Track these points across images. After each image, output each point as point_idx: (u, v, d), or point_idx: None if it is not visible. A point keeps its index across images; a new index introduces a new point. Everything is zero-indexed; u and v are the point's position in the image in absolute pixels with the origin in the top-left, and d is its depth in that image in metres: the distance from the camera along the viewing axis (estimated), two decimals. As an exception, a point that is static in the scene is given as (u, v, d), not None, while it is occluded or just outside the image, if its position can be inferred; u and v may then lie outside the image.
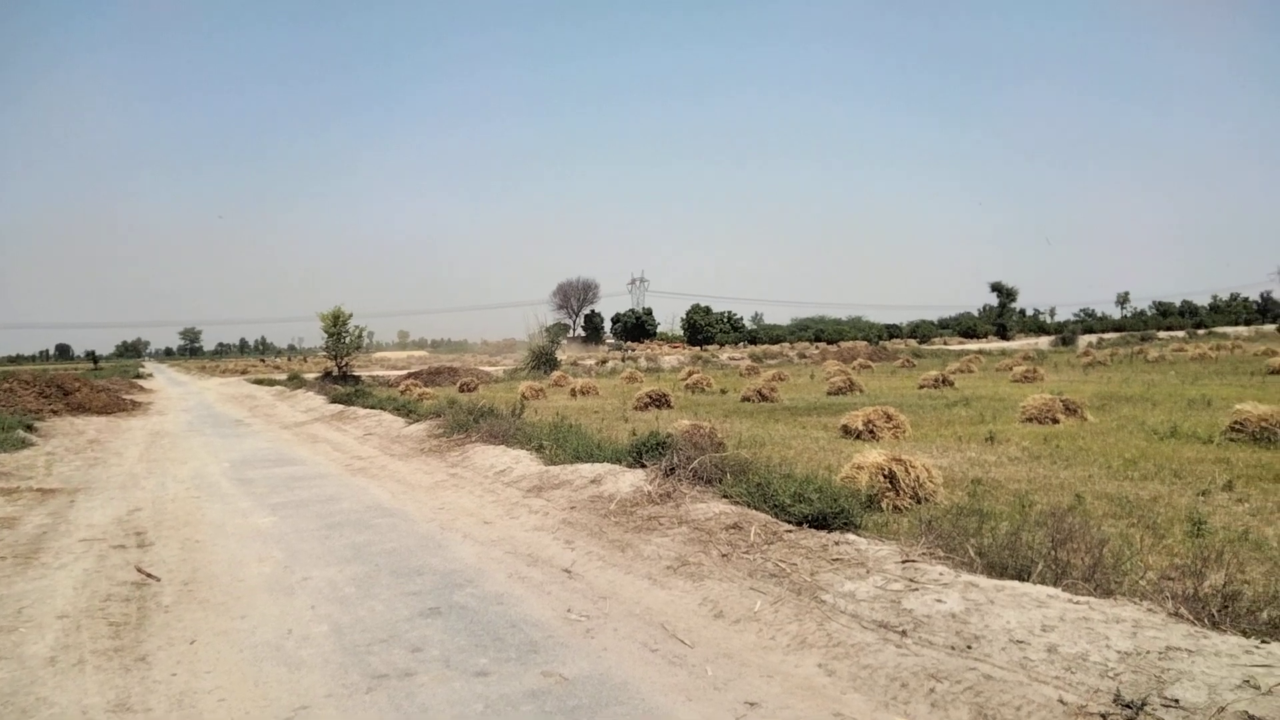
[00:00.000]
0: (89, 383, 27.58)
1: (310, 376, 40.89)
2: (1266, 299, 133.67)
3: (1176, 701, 3.43)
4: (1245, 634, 3.98)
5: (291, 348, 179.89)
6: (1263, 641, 3.82)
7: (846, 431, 13.43)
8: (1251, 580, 5.27)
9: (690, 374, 31.28)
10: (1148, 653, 3.83)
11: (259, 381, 44.87)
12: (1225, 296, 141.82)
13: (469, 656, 4.71)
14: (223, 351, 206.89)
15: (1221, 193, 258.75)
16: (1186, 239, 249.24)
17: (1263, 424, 11.42)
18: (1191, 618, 4.19)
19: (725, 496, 7.64)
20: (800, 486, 6.98)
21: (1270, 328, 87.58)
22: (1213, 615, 4.21)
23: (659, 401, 20.51)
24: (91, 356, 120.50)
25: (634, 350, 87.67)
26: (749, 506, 7.20)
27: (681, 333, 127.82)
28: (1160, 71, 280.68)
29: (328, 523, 8.46)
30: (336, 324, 38.58)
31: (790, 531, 6.45)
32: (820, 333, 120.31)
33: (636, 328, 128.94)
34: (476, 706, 4.06)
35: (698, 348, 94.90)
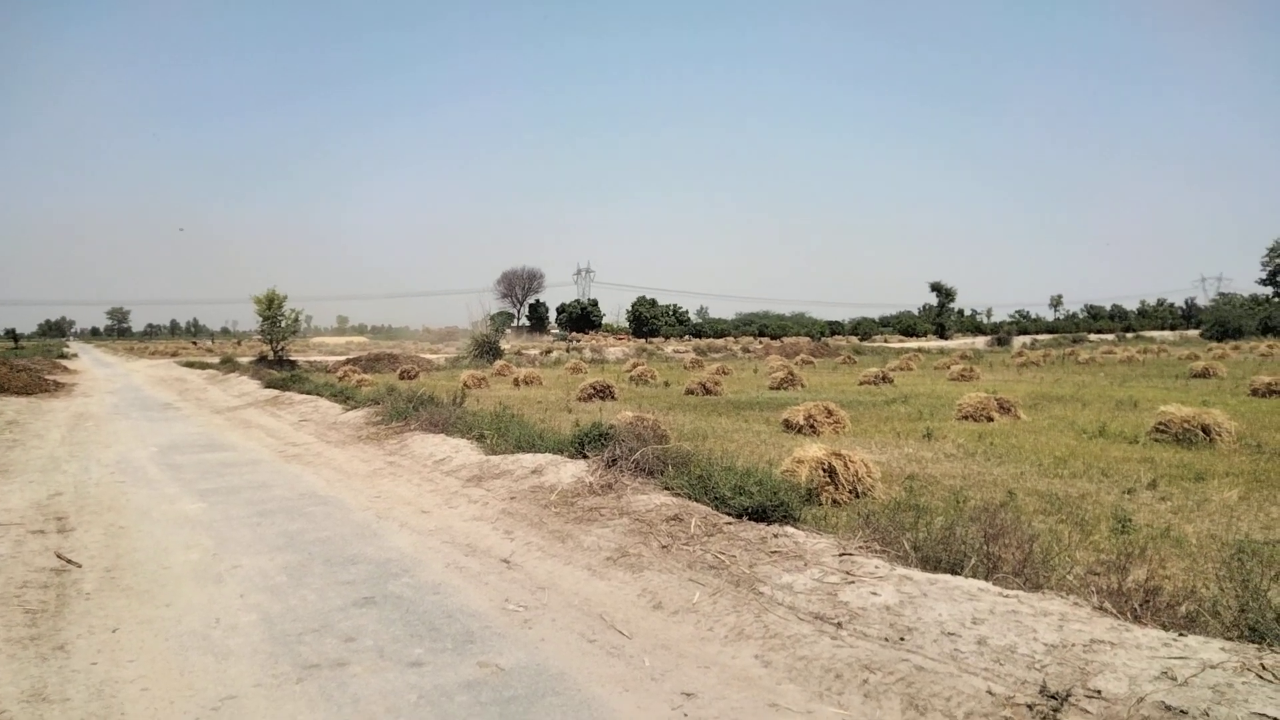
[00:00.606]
0: (8, 362, 26.55)
1: (244, 360, 39.92)
2: (1191, 305, 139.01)
3: (1099, 692, 3.53)
4: (1165, 627, 4.11)
5: (225, 330, 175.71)
6: (1180, 634, 3.95)
7: (788, 426, 13.57)
8: (1172, 576, 5.46)
9: (635, 366, 31.36)
10: (1073, 645, 3.93)
11: (190, 364, 43.61)
12: (1153, 302, 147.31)
13: (403, 646, 4.63)
14: (152, 333, 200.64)
15: (1153, 202, 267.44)
16: (1119, 245, 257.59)
17: (1185, 425, 11.85)
18: (1115, 611, 4.31)
19: (667, 488, 7.64)
20: (741, 479, 7.01)
21: (1194, 333, 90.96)
22: (1135, 609, 4.34)
23: (603, 393, 20.50)
24: (11, 335, 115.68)
25: (579, 341, 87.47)
26: (690, 499, 7.22)
27: (627, 324, 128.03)
28: (1111, 75, 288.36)
29: (259, 510, 8.25)
30: (271, 307, 37.76)
31: (730, 524, 6.48)
32: (764, 328, 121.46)
33: (582, 318, 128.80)
34: (410, 697, 3.99)
35: (643, 340, 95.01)
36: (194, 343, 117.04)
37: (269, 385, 23.47)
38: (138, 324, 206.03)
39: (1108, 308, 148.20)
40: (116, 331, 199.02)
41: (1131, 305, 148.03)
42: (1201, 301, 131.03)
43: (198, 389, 26.96)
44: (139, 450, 12.72)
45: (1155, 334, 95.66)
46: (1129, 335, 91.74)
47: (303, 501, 8.66)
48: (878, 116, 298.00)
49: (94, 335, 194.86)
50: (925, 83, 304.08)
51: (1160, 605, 4.39)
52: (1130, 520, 7.02)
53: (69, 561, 6.36)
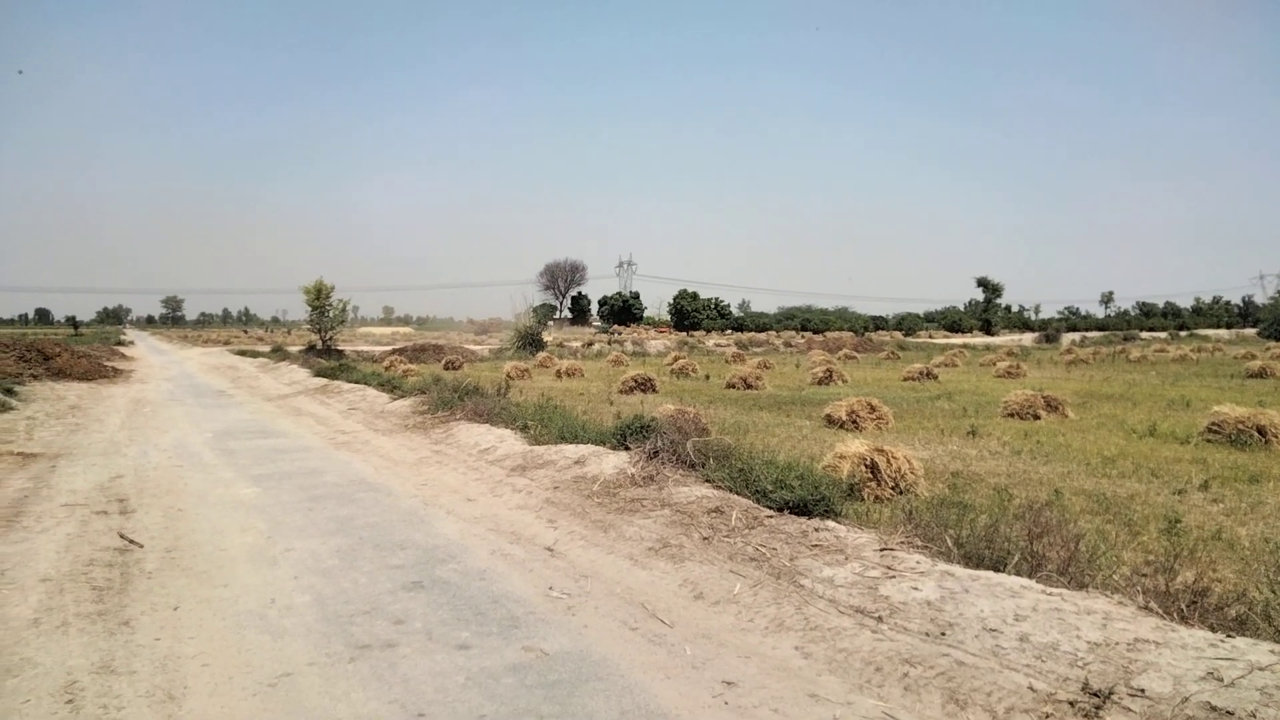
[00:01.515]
0: (70, 348, 27.35)
1: (294, 349, 40.68)
2: (1248, 303, 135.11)
3: (1143, 691, 3.52)
4: (1212, 629, 4.08)
5: (275, 320, 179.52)
6: (1228, 636, 3.92)
7: (830, 421, 13.53)
8: (1222, 578, 5.39)
9: (676, 359, 31.36)
10: (1117, 644, 3.92)
11: (242, 353, 44.56)
12: (1208, 299, 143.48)
13: (451, 630, 4.75)
14: (205, 321, 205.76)
15: (1208, 197, 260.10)
16: (1173, 241, 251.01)
17: (1239, 426, 11.59)
18: (1161, 612, 4.28)
19: (708, 481, 7.70)
20: (782, 473, 7.05)
21: (1251, 331, 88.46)
22: (1182, 610, 4.30)
23: (644, 385, 20.57)
24: (72, 322, 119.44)
25: (620, 333, 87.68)
26: (731, 491, 7.27)
27: (668, 317, 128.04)
28: (1158, 69, 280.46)
29: (311, 495, 8.48)
30: (320, 297, 38.52)
31: (771, 517, 6.52)
32: (806, 322, 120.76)
33: (623, 311, 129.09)
34: (458, 678, 4.11)
35: (684, 333, 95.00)
36: (245, 331, 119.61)
37: (318, 374, 23.94)
38: (191, 312, 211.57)
39: (1160, 305, 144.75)
40: (171, 320, 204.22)
41: (1185, 302, 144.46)
42: (1259, 299, 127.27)
43: (250, 377, 27.59)
44: (194, 436, 13.10)
45: (1210, 332, 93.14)
46: (1182, 333, 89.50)
47: (352, 488, 8.87)
48: (925, 119, 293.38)
49: (149, 323, 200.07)
50: (973, 89, 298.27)
51: (1209, 607, 4.35)
52: (1180, 521, 6.91)
53: (131, 542, 6.61)
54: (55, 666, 4.19)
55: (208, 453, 11.35)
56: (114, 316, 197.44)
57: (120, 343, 60.40)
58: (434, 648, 4.49)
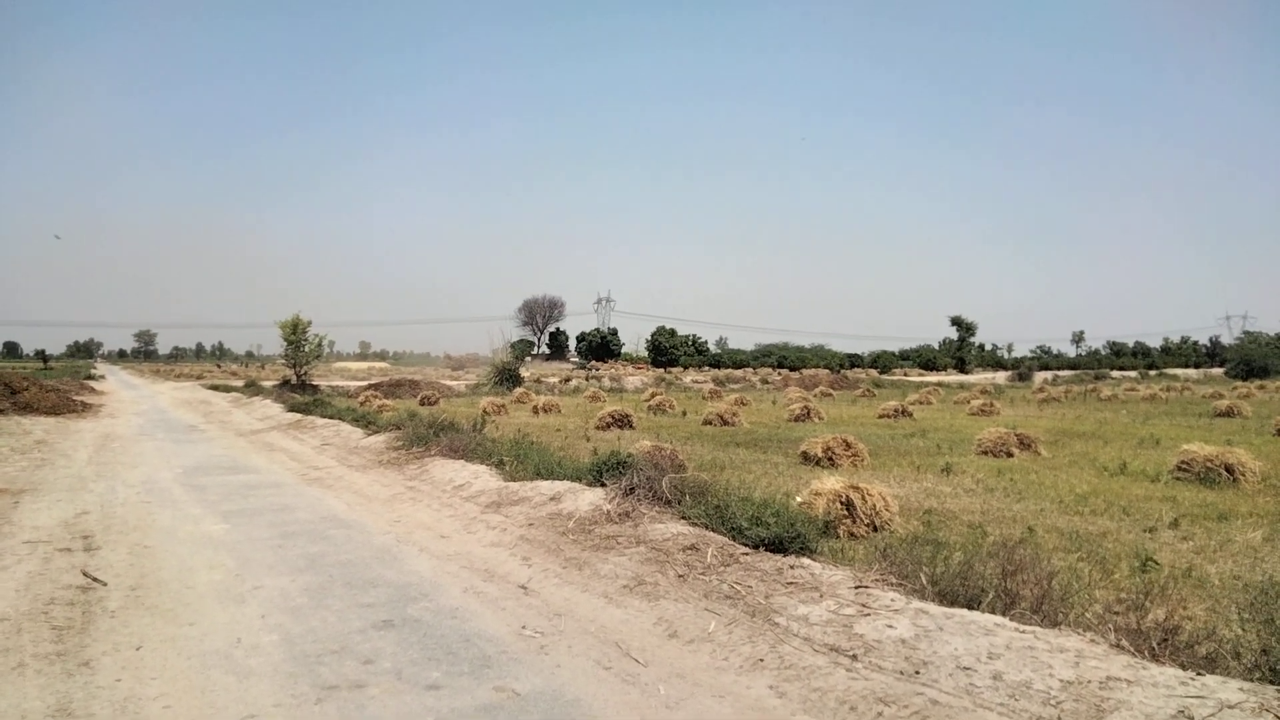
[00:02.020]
0: (38, 382, 26.95)
1: (268, 384, 40.32)
2: (1215, 343, 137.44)
3: (1115, 730, 3.52)
4: (1183, 667, 4.09)
5: (249, 354, 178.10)
6: (1198, 674, 3.94)
7: (806, 458, 13.55)
8: (1193, 616, 5.41)
9: (653, 395, 31.38)
10: (1089, 682, 3.92)
11: (215, 387, 44.07)
12: (1177, 339, 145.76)
13: (421, 670, 4.68)
14: (178, 355, 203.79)
15: (1178, 238, 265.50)
16: (1143, 281, 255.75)
17: (1208, 464, 11.74)
18: (1132, 650, 4.29)
19: (684, 518, 7.67)
20: (758, 510, 7.04)
21: (1218, 371, 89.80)
22: (1153, 648, 4.32)
23: (621, 422, 20.54)
24: (41, 355, 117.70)
25: (598, 369, 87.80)
26: (707, 528, 7.25)
27: (646, 354, 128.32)
28: (1134, 100, 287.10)
29: (282, 532, 8.35)
30: (296, 332, 38.34)
31: (747, 554, 6.50)
32: (783, 359, 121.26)
33: (601, 347, 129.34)
34: (427, 719, 4.04)
35: (661, 369, 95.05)
36: (219, 366, 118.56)
37: (292, 409, 23.71)
38: (164, 346, 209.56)
39: (1131, 344, 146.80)
40: (143, 354, 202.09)
41: (1155, 342, 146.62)
42: (1226, 339, 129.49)
43: (222, 412, 27.26)
44: (164, 471, 12.90)
45: (1179, 372, 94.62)
46: (1152, 372, 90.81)
47: (324, 524, 8.75)
48: (899, 152, 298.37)
49: (121, 357, 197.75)
50: (946, 120, 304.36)
51: (1179, 645, 4.37)
52: (1152, 559, 6.96)
53: (95, 579, 6.47)
54: (9, 710, 4.07)
55: (177, 489, 11.17)
56: (85, 350, 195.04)
57: (90, 377, 59.58)
58: (403, 688, 4.42)
